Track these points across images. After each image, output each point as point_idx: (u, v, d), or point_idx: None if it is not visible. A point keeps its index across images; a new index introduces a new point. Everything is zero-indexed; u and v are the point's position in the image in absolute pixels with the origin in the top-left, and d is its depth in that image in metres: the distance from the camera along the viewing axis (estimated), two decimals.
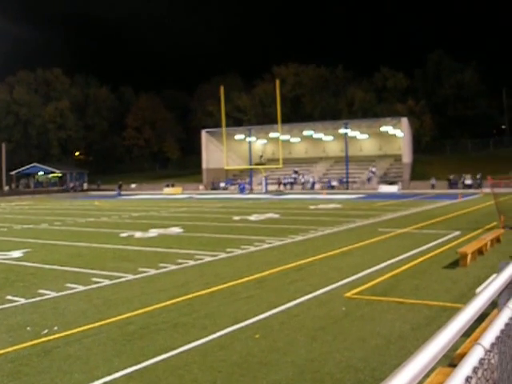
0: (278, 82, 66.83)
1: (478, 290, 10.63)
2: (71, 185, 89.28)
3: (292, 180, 74.11)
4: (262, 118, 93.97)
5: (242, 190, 68.50)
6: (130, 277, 13.56)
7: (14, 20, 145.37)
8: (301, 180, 73.54)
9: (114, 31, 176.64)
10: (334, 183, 69.92)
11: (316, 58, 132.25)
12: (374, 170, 70.86)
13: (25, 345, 8.37)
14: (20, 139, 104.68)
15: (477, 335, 6.79)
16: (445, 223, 24.83)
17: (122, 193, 72.47)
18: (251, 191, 69.46)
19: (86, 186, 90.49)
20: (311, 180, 72.10)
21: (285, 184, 73.15)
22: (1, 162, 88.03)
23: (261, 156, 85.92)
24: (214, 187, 76.48)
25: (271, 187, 70.26)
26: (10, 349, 8.19)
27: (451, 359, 6.10)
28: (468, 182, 62.00)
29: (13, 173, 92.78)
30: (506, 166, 56.45)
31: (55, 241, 21.41)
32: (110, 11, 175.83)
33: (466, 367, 2.13)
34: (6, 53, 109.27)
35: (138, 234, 22.87)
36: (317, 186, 70.39)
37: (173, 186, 77.03)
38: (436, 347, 2.13)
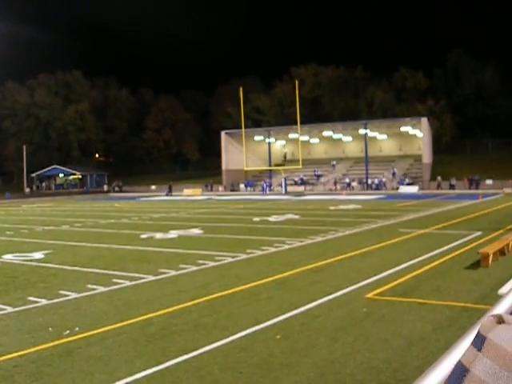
0: (296, 83, 66.77)
1: (501, 290, 10.56)
2: (110, 186, 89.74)
3: (314, 180, 74.31)
4: (281, 119, 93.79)
5: (263, 190, 68.71)
6: (151, 278, 13.59)
7: (34, 24, 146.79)
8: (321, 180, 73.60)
9: (133, 34, 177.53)
10: (354, 184, 69.73)
11: (335, 58, 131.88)
12: (383, 179, 69.95)
13: (46, 345, 8.40)
14: (40, 141, 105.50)
15: None
16: (466, 224, 24.66)
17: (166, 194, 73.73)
18: (271, 191, 69.55)
19: (106, 187, 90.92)
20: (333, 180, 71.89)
21: (302, 184, 73.15)
22: (22, 164, 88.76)
23: (285, 156, 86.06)
24: (233, 189, 76.52)
25: (290, 188, 70.22)
26: (32, 349, 8.24)
27: None
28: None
29: (33, 175, 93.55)
30: None
31: (76, 242, 21.52)
32: (128, 14, 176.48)
33: None
34: (26, 56, 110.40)
35: (158, 236, 22.93)
36: (337, 187, 70.24)
37: (211, 186, 78.03)
38: (465, 349, 2.09)
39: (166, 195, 71.82)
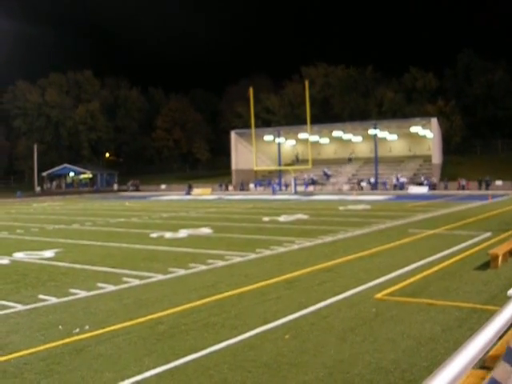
0: (306, 83, 66.52)
1: (510, 291, 10.54)
2: (126, 184, 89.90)
3: (324, 180, 74.28)
4: (290, 119, 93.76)
5: (273, 190, 68.69)
6: (160, 277, 13.62)
7: (45, 24, 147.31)
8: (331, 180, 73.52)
9: (144, 34, 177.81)
10: (364, 184, 69.54)
11: (345, 58, 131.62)
12: (399, 178, 69.56)
13: (56, 343, 8.44)
14: (51, 140, 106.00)
15: (509, 337, 6.72)
16: (475, 224, 24.58)
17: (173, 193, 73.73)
18: (281, 191, 69.64)
19: (116, 186, 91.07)
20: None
21: (312, 184, 73.08)
22: (33, 163, 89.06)
23: (296, 156, 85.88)
24: (243, 188, 76.51)
25: (303, 188, 70.26)
26: (41, 347, 8.28)
27: (483, 361, 6.02)
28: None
29: (44, 174, 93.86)
30: None
31: (86, 241, 21.60)
32: (139, 14, 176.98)
33: None
34: (37, 56, 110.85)
35: (167, 235, 22.94)
36: (345, 187, 70.06)
37: (226, 186, 78.33)
38: (474, 349, 2.10)
39: (186, 194, 71.89)
